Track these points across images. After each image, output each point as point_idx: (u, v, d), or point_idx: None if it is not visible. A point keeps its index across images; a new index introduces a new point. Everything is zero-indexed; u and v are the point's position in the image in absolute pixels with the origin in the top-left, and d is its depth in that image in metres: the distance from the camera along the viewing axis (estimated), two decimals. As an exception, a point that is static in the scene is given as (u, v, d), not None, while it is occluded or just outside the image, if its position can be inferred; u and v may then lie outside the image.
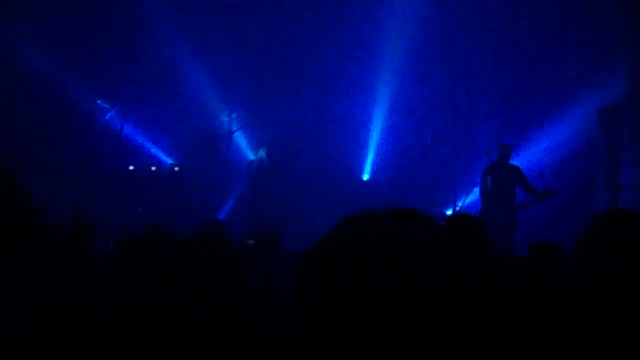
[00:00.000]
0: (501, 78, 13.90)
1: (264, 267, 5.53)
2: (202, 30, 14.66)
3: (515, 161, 11.77)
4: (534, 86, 13.76)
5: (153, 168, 15.07)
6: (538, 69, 13.58)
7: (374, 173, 15.25)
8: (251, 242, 6.19)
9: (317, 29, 14.47)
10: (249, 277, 3.93)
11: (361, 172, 15.32)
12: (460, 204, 13.15)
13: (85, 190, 12.89)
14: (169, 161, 15.40)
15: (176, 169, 15.14)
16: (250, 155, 14.61)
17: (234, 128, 15.03)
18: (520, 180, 11.18)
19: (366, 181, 15.25)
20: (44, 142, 13.53)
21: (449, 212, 13.23)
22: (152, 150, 15.38)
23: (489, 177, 11.15)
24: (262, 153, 13.53)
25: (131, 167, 14.81)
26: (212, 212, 13.50)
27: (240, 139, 15.34)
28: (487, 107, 14.16)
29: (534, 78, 13.70)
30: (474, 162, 13.03)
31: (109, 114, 14.88)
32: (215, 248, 3.39)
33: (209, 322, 3.00)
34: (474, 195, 12.82)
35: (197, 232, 6.06)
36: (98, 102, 14.82)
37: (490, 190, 11.05)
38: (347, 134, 15.14)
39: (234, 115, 15.14)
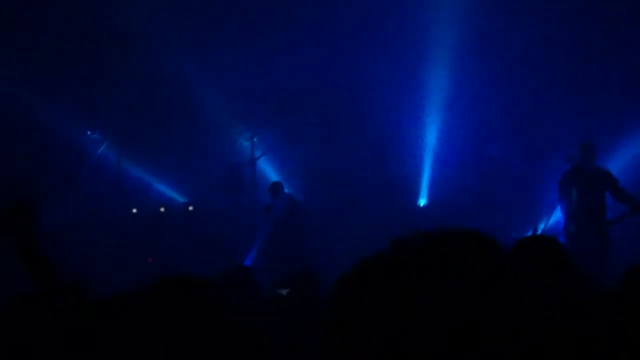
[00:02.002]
0: (577, 68, 13.69)
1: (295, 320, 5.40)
2: (208, 38, 14.67)
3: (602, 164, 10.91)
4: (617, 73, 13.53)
5: (162, 209, 14.96)
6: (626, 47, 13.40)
7: (432, 197, 15.05)
8: (283, 291, 6.10)
9: (358, 35, 14.50)
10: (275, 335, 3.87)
11: (416, 196, 15.12)
12: (542, 226, 12.86)
13: (81, 241, 12.83)
14: (181, 200, 15.31)
15: (190, 208, 15.04)
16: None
17: (257, 154, 14.95)
18: (611, 187, 10.25)
19: (423, 207, 15.04)
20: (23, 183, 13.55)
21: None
22: (158, 187, 15.33)
23: (571, 188, 10.27)
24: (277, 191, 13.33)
25: (134, 210, 14.72)
26: (235, 257, 13.37)
27: (266, 167, 15.26)
28: (565, 103, 13.88)
29: (619, 63, 13.47)
30: (554, 172, 12.41)
31: (102, 146, 14.90)
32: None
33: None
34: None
35: (214, 281, 5.95)
36: (88, 133, 14.83)
37: (575, 205, 10.19)
38: (396, 153, 15.00)
39: (255, 139, 15.07)
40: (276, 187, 13.36)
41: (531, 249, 3.92)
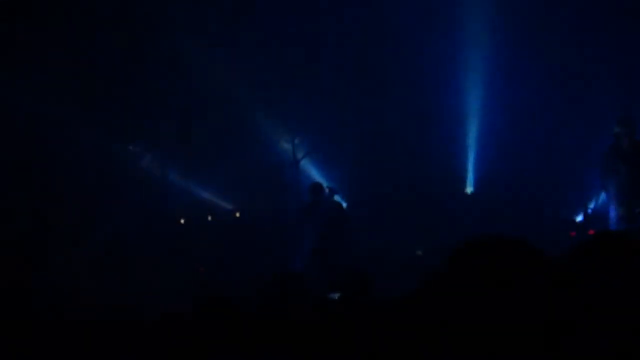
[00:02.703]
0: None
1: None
2: (243, 38, 14.70)
3: None
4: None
5: (209, 218, 15.01)
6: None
7: (479, 184, 14.93)
8: (335, 295, 6.04)
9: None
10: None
11: (464, 184, 15.01)
12: (592, 205, 12.67)
13: (131, 254, 12.91)
14: (227, 206, 15.34)
15: (237, 214, 15.07)
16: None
17: (300, 155, 14.93)
18: None
19: (471, 195, 14.92)
20: (71, 203, 13.71)
21: (579, 218, 12.80)
22: (204, 195, 15.37)
23: (615, 166, 9.71)
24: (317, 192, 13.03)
25: (182, 220, 14.79)
26: (285, 262, 13.32)
27: (309, 168, 15.23)
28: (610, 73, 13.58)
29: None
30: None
31: (145, 159, 14.96)
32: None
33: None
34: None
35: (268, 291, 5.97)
36: (129, 147, 14.92)
37: (621, 183, 9.65)
38: (439, 140, 14.90)
39: (296, 141, 15.05)
40: (316, 188, 12.90)
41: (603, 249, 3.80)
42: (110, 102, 14.52)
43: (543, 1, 13.98)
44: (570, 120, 13.83)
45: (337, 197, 13.30)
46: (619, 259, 3.03)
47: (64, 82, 14.14)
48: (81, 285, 10.62)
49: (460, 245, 2.60)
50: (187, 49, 14.49)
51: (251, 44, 14.73)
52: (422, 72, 14.52)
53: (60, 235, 12.88)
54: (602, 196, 11.49)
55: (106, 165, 14.61)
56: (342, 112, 15.13)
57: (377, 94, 15.01)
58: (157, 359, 4.91)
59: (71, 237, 12.91)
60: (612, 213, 9.75)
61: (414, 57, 14.54)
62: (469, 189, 14.92)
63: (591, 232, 12.11)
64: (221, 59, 14.67)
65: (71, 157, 14.21)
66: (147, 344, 5.22)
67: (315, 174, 15.08)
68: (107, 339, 5.52)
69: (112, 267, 12.30)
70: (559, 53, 13.93)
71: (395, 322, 2.87)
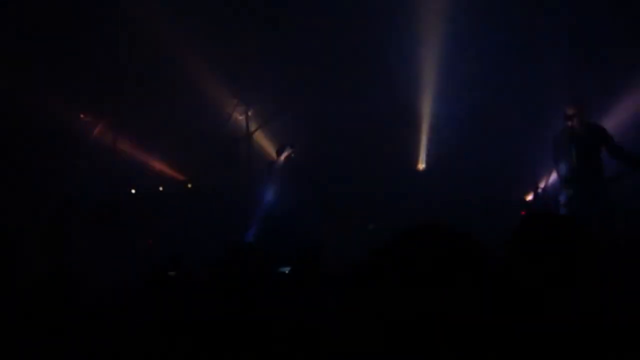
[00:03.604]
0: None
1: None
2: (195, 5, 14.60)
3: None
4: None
5: (160, 188, 14.92)
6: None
7: (430, 160, 15.02)
8: (285, 269, 6.06)
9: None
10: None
11: (415, 160, 15.09)
12: (543, 185, 12.79)
13: (77, 225, 12.80)
14: (179, 178, 15.27)
15: (189, 186, 15.01)
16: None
17: (253, 128, 14.90)
18: (606, 144, 9.77)
19: (422, 171, 15.01)
20: (18, 173, 13.58)
21: (529, 197, 12.92)
22: (155, 166, 15.27)
23: (564, 148, 9.83)
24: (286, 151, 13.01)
25: (133, 191, 14.68)
26: (238, 233, 13.33)
27: (262, 140, 15.21)
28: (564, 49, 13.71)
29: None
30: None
31: (96, 128, 14.83)
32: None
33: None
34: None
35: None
36: (81, 115, 14.76)
37: (570, 166, 9.77)
38: (391, 117, 14.95)
39: (249, 112, 15.01)
40: (281, 148, 12.99)
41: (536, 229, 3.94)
42: (60, 69, 14.35)
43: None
44: (524, 98, 13.95)
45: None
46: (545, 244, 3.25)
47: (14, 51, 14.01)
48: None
49: (399, 234, 2.81)
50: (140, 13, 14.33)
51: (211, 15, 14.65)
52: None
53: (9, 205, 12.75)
54: (554, 177, 11.50)
55: (56, 133, 14.46)
56: (296, 86, 15.11)
57: (336, 69, 15.02)
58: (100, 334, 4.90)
59: (19, 208, 12.76)
60: (562, 194, 9.90)
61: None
62: (421, 166, 15.01)
63: (522, 212, 12.34)
64: (175, 27, 14.54)
65: (18, 124, 14.04)
66: (88, 318, 5.20)
67: (269, 148, 15.06)
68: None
69: (61, 237, 12.18)
70: (517, 32, 14.01)
71: (341, 296, 3.01)
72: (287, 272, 6.13)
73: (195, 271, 6.31)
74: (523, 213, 12.39)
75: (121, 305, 5.37)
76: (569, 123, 9.83)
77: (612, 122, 11.78)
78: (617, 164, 9.84)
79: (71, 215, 12.72)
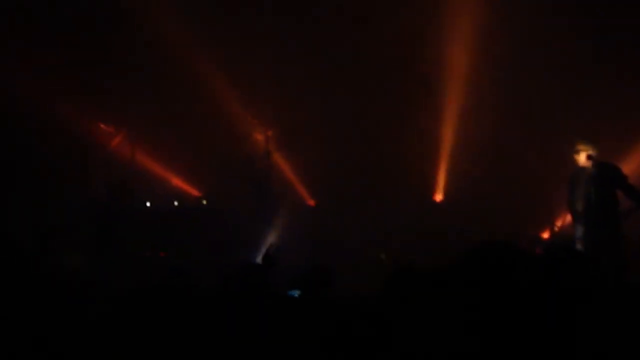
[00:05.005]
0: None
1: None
2: (219, 26, 14.70)
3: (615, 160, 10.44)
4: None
5: (175, 203, 14.97)
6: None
7: (449, 192, 15.01)
8: (295, 292, 6.02)
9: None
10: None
11: (433, 191, 15.10)
12: (559, 224, 12.79)
13: (94, 234, 12.86)
14: (194, 193, 15.31)
15: (204, 202, 15.05)
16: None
17: (271, 148, 14.94)
18: (619, 183, 9.87)
19: (439, 203, 15.01)
20: (31, 178, 13.68)
21: (545, 234, 12.90)
22: (172, 181, 15.33)
23: (577, 187, 9.94)
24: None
25: (148, 204, 14.73)
26: (251, 253, 13.35)
27: (282, 161, 15.26)
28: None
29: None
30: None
31: (116, 139, 14.90)
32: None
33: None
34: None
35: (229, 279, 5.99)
36: (101, 125, 14.84)
37: (581, 206, 9.89)
38: (410, 146, 14.98)
39: (269, 133, 15.06)
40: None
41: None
42: (81, 79, 14.47)
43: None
44: (539, 138, 13.99)
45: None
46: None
47: (35, 56, 14.14)
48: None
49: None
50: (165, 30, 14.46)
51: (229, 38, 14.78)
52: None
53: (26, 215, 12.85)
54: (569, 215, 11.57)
55: (75, 144, 14.57)
56: (318, 108, 15.17)
57: (357, 91, 15.08)
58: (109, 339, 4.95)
59: (35, 217, 12.84)
60: (578, 232, 9.94)
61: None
62: (439, 197, 15.00)
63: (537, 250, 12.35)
64: (198, 45, 14.64)
65: (38, 134, 14.14)
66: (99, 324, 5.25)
67: (287, 168, 15.12)
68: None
69: (76, 248, 12.24)
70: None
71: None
72: (296, 295, 6.11)
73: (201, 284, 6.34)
74: (538, 251, 12.37)
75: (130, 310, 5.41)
76: (585, 162, 9.91)
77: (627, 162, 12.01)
78: (630, 201, 9.84)
79: (87, 223, 12.81)
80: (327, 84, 15.14)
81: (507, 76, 14.11)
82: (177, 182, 15.48)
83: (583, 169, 9.96)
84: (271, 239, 13.65)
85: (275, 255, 11.24)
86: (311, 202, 15.68)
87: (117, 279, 9.54)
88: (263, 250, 12.36)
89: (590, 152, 9.90)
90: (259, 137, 15.25)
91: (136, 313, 5.34)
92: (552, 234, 12.80)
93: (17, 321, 5.31)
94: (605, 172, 9.93)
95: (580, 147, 9.93)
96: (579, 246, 9.73)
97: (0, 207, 12.91)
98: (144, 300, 5.63)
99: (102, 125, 14.95)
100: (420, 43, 14.56)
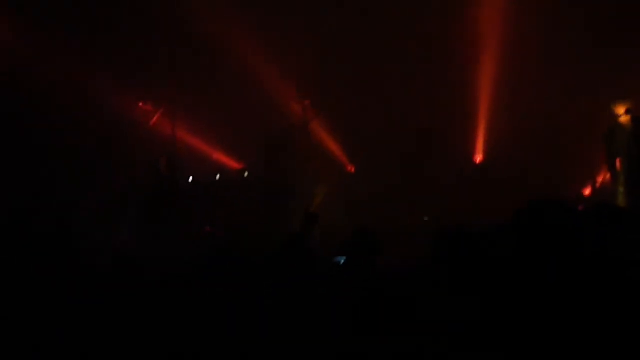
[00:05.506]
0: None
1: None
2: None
3: None
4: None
5: (217, 176, 15.05)
6: None
7: (488, 152, 15.00)
8: (341, 259, 6.04)
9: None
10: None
11: (472, 152, 15.10)
12: (600, 179, 12.74)
13: (138, 212, 13.00)
14: (236, 166, 15.42)
15: (246, 174, 15.10)
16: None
17: (310, 118, 14.97)
18: None
19: (480, 164, 15.00)
20: (79, 160, 13.84)
21: (587, 192, 12.88)
22: (213, 155, 15.45)
23: (615, 144, 9.98)
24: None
25: (191, 179, 14.85)
26: (295, 224, 13.38)
27: (320, 131, 15.30)
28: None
29: None
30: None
31: (155, 117, 15.00)
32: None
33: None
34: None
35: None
36: (140, 104, 14.97)
37: (620, 162, 9.97)
38: (449, 107, 14.98)
39: (307, 102, 15.08)
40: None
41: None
42: (118, 57, 14.61)
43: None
44: (577, 94, 13.90)
45: None
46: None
47: (73, 35, 14.28)
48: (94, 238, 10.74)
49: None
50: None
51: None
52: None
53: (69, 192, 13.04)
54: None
55: (115, 123, 14.71)
56: (355, 77, 15.21)
57: (393, 59, 15.11)
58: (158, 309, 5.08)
59: (81, 195, 13.02)
60: (618, 188, 9.90)
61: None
62: (478, 158, 14.99)
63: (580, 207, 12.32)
64: (234, 19, 14.69)
65: (80, 114, 14.30)
66: (149, 296, 5.39)
67: (326, 138, 15.17)
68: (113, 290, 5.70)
69: (122, 223, 12.42)
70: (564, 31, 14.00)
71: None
72: (342, 262, 6.14)
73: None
74: (581, 208, 12.36)
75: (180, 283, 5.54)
76: (621, 119, 9.81)
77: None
78: None
79: (134, 200, 12.95)
80: (364, 50, 15.16)
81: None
82: (218, 155, 15.54)
83: (619, 124, 9.86)
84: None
85: (315, 214, 11.44)
86: (350, 169, 15.75)
87: (169, 256, 9.68)
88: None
89: (629, 106, 9.82)
90: (297, 107, 15.26)
91: (188, 287, 5.48)
92: (594, 190, 12.77)
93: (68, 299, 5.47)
94: None
95: (618, 102, 9.85)
96: (620, 201, 9.72)
97: (48, 190, 13.10)
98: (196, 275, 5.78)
99: (140, 104, 15.00)
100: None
